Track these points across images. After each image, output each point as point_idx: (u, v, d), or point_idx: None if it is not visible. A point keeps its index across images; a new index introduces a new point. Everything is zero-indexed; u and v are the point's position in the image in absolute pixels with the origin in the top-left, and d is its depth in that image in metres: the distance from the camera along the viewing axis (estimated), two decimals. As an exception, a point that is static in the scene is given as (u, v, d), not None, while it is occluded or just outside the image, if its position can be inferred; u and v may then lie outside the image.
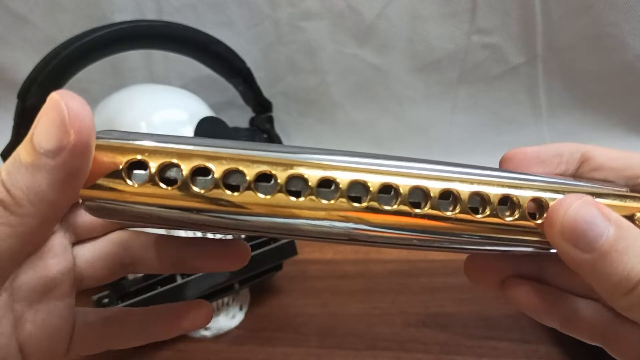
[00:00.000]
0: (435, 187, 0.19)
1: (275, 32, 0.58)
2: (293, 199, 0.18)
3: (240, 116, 0.57)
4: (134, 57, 0.58)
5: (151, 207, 0.18)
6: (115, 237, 0.24)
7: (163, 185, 0.18)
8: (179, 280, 0.41)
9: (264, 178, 0.18)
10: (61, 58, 0.42)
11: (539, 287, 0.22)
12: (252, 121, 0.54)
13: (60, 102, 0.16)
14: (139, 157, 0.18)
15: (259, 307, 0.48)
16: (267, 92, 0.54)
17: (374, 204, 0.18)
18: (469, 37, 0.57)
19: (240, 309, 0.47)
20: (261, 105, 0.54)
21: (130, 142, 0.18)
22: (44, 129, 0.16)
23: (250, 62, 0.52)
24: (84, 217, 0.23)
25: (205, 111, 0.49)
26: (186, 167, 0.18)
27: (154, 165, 0.18)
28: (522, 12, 0.55)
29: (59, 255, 0.22)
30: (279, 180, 0.18)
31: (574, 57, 0.57)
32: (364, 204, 0.18)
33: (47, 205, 0.17)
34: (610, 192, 0.20)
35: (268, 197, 0.18)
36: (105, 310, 0.24)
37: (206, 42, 0.49)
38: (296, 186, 0.18)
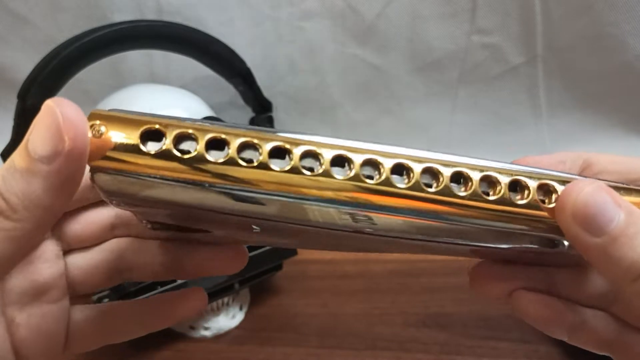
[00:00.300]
0: (446, 170, 0.18)
1: (275, 32, 0.58)
2: (307, 172, 0.17)
3: (240, 116, 0.57)
4: (134, 57, 0.58)
5: (166, 181, 0.17)
6: (110, 245, 0.24)
7: (179, 154, 0.17)
8: (179, 281, 0.41)
9: (278, 154, 0.18)
10: (61, 58, 0.42)
11: (547, 299, 0.22)
12: (252, 121, 0.54)
13: (55, 108, 0.16)
14: (156, 126, 0.17)
15: (259, 307, 0.48)
16: (267, 92, 0.54)
17: (387, 182, 0.18)
18: (469, 37, 0.57)
19: (240, 309, 0.47)
20: (261, 105, 0.54)
21: (144, 116, 0.18)
22: (38, 135, 0.17)
23: (250, 62, 0.52)
24: (76, 226, 0.23)
25: (205, 111, 0.49)
26: (202, 139, 0.17)
27: (170, 135, 0.17)
28: (522, 12, 0.55)
29: (50, 261, 0.22)
30: (293, 156, 0.17)
31: (574, 57, 0.57)
32: (376, 181, 0.18)
33: (42, 211, 0.17)
34: (615, 185, 0.20)
35: (281, 172, 0.17)
36: (100, 306, 0.24)
37: (206, 42, 0.49)
38: (310, 163, 0.18)
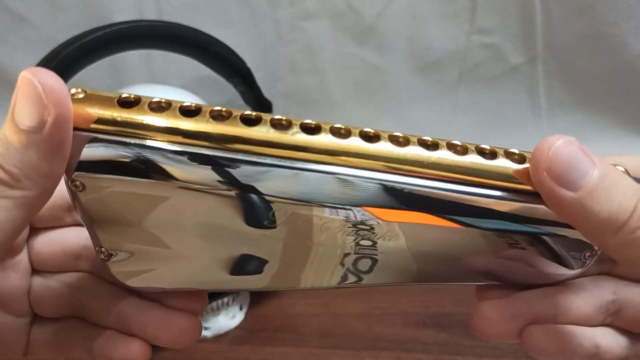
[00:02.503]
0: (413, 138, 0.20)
1: (275, 32, 0.58)
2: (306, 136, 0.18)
3: (240, 116, 0.57)
4: (134, 57, 0.58)
5: (146, 140, 0.18)
6: (68, 278, 0.23)
7: (180, 114, 0.18)
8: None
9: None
10: (61, 58, 0.42)
11: (559, 330, 0.21)
12: (252, 121, 0.54)
13: (33, 79, 0.17)
14: (131, 96, 0.18)
15: (259, 307, 0.48)
16: (267, 92, 0.54)
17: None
18: (469, 37, 0.57)
19: (240, 309, 0.47)
20: (261, 105, 0.54)
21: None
22: (23, 106, 0.17)
23: (250, 62, 0.52)
24: (43, 247, 0.23)
25: (205, 111, 0.49)
26: (175, 106, 0.19)
27: (145, 101, 0.18)
28: (522, 12, 0.55)
29: (20, 273, 0.22)
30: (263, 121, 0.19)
31: (574, 57, 0.57)
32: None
33: (43, 177, 0.18)
34: None
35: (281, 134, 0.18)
36: (61, 325, 0.24)
37: (206, 42, 0.49)
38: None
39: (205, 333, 0.45)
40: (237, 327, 0.46)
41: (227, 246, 0.21)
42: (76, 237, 0.23)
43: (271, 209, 0.19)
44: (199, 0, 0.57)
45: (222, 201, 0.19)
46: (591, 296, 0.22)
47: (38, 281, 0.23)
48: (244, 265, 0.21)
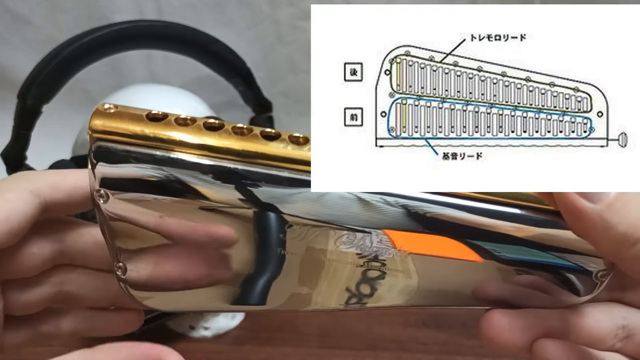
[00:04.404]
0: None
1: (275, 32, 0.58)
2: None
3: (240, 116, 0.57)
4: (134, 57, 0.58)
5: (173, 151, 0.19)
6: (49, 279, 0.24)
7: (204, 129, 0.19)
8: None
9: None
10: (61, 58, 0.42)
11: (573, 346, 0.21)
12: (252, 121, 0.54)
13: None
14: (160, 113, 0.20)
15: (259, 307, 0.48)
16: (267, 92, 0.54)
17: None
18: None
19: (240, 309, 0.47)
20: (261, 105, 0.54)
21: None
22: None
23: (250, 62, 0.52)
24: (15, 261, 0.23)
25: (205, 111, 0.49)
26: (199, 121, 0.20)
27: (172, 117, 0.19)
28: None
29: None
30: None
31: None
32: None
33: None
34: None
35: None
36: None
37: (206, 42, 0.49)
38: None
39: (205, 333, 0.45)
40: (237, 327, 0.46)
41: (240, 265, 0.21)
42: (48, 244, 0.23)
43: (287, 230, 0.20)
44: (198, 0, 0.57)
45: (240, 221, 0.20)
46: (602, 319, 0.22)
47: (12, 287, 0.23)
48: (254, 285, 0.22)
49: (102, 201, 0.19)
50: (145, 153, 0.19)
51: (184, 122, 0.19)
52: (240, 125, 0.19)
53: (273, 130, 0.20)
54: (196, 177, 0.19)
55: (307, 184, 0.19)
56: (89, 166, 0.19)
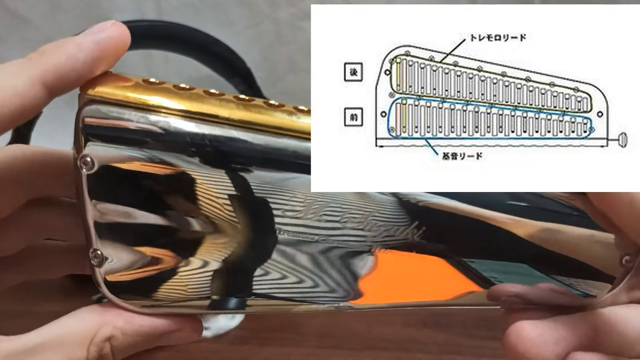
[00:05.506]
0: None
1: (275, 32, 0.58)
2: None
3: (240, 116, 0.57)
4: (134, 57, 0.58)
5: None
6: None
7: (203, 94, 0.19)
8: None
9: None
10: (61, 58, 0.42)
11: (603, 358, 0.20)
12: (252, 121, 0.54)
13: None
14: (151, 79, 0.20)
15: (259, 307, 0.48)
16: (267, 92, 0.54)
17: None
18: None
19: (240, 309, 0.47)
20: (261, 105, 0.54)
21: None
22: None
23: (250, 62, 0.52)
24: None
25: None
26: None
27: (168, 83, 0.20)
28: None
29: None
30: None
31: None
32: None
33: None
34: None
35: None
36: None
37: (206, 42, 0.49)
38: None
39: (205, 333, 0.45)
40: (237, 327, 0.46)
41: (230, 253, 0.20)
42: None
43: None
44: (198, 0, 0.57)
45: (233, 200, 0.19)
46: (629, 323, 0.21)
47: None
48: (246, 280, 0.21)
49: (85, 169, 0.18)
50: (140, 115, 0.18)
51: (182, 89, 0.19)
52: (242, 96, 0.19)
53: (277, 103, 0.20)
54: (191, 145, 0.18)
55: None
56: (75, 129, 0.18)
